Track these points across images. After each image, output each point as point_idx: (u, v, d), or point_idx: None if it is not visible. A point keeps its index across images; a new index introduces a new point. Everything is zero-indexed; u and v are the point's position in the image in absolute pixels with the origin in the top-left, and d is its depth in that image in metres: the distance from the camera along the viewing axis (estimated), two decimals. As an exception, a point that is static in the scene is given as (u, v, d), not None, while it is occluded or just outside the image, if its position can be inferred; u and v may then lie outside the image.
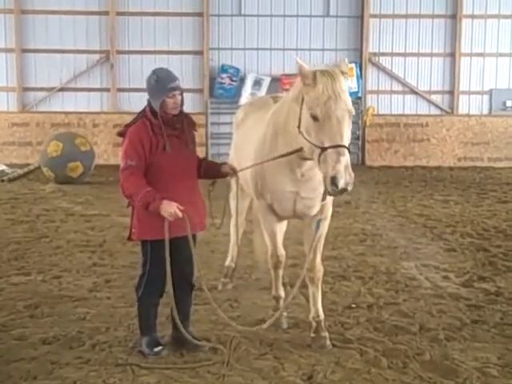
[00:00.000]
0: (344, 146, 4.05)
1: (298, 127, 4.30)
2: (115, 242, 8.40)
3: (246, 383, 4.31)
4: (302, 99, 4.26)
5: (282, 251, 5.27)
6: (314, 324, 5.06)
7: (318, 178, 4.72)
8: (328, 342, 4.94)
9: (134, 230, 4.70)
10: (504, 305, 6.00)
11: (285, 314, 5.42)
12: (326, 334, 5.00)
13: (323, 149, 4.05)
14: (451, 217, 10.38)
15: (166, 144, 4.55)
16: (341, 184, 3.97)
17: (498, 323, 5.50)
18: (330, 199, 5.04)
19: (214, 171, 4.93)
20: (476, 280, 6.82)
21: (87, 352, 4.80)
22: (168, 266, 4.51)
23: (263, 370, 4.51)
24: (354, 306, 5.94)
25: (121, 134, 4.70)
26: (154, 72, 4.64)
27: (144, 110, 4.70)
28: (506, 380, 4.40)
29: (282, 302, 5.45)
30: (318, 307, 5.10)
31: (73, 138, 14.05)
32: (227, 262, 6.59)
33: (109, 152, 17.21)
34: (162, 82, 4.55)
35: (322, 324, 5.06)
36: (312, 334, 5.03)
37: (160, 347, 4.75)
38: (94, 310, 5.72)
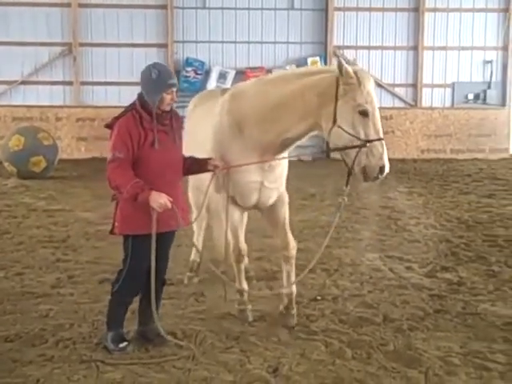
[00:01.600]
0: (383, 139, 4.52)
1: (334, 122, 4.51)
2: (79, 238, 8.32)
3: (211, 377, 4.31)
4: (336, 96, 4.49)
5: (243, 245, 5.32)
6: (285, 300, 5.28)
7: (279, 168, 5.09)
8: (294, 321, 5.21)
9: (116, 224, 4.64)
10: (466, 294, 6.10)
11: (250, 307, 5.44)
12: (295, 312, 5.26)
13: (368, 141, 4.44)
14: (415, 208, 10.51)
15: (155, 140, 4.52)
16: (385, 172, 4.52)
17: (459, 313, 5.59)
18: (284, 187, 5.30)
19: (197, 167, 4.91)
20: (439, 270, 6.92)
21: (50, 349, 4.73)
22: (153, 260, 4.48)
23: (229, 363, 4.51)
24: (319, 298, 5.98)
25: (108, 126, 4.62)
26: (155, 66, 4.57)
27: (133, 103, 4.62)
28: (467, 368, 4.48)
29: (246, 295, 5.48)
30: (293, 284, 5.31)
31: (35, 131, 13.84)
32: (192, 257, 6.57)
33: (72, 146, 17.02)
34: (162, 78, 4.52)
35: (293, 301, 5.29)
36: (282, 309, 5.29)
37: (125, 343, 4.71)
38: (57, 307, 5.64)
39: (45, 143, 13.54)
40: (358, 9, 18.07)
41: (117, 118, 4.58)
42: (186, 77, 17.24)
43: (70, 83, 17.55)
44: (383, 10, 18.09)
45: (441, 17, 18.22)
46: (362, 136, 4.47)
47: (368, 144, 4.45)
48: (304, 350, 4.75)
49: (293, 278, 5.30)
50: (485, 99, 18.26)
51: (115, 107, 17.35)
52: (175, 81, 4.60)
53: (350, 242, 8.20)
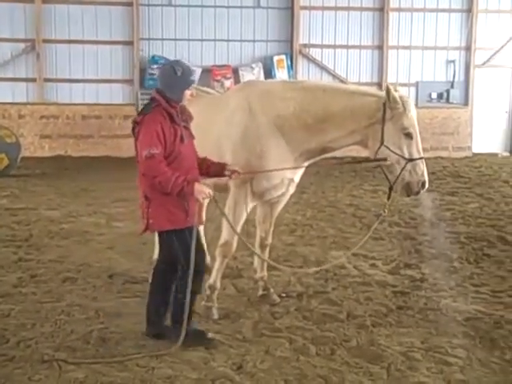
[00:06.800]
0: (423, 158, 5.04)
1: (382, 142, 5.01)
2: (42, 237, 8.20)
3: (175, 375, 4.30)
4: (384, 119, 4.96)
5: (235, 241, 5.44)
6: (261, 283, 5.86)
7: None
8: (276, 297, 5.79)
9: (151, 221, 4.66)
10: (428, 290, 6.20)
11: (216, 304, 5.44)
12: (272, 290, 5.87)
13: (411, 160, 4.94)
14: (380, 206, 10.58)
15: (183, 134, 4.64)
16: (426, 187, 5.01)
17: (422, 309, 5.68)
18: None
19: (215, 170, 4.95)
20: (402, 267, 7.01)
21: (12, 349, 4.67)
22: (192, 254, 4.64)
23: (193, 361, 4.51)
24: (283, 295, 6.00)
25: (136, 122, 4.64)
26: (178, 63, 4.74)
27: (155, 100, 4.66)
28: (429, 363, 4.55)
29: (216, 292, 5.48)
30: (265, 268, 5.92)
31: (-3, 129, 13.61)
32: (155, 255, 6.51)
33: (35, 144, 16.71)
34: (186, 74, 4.68)
35: (267, 282, 5.90)
36: (262, 292, 5.83)
37: (210, 333, 4.86)
38: (18, 306, 5.57)
39: (7, 141, 13.31)
40: (323, 8, 18.12)
41: (144, 115, 4.60)
42: (152, 74, 17.06)
43: (33, 80, 17.24)
44: (348, 9, 18.17)
45: (405, 16, 18.39)
46: (407, 155, 4.95)
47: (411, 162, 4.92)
48: (268, 346, 4.78)
49: (266, 264, 5.88)
50: (448, 98, 18.47)
51: (80, 104, 17.25)
52: (195, 77, 4.79)
53: (315, 240, 8.25)
